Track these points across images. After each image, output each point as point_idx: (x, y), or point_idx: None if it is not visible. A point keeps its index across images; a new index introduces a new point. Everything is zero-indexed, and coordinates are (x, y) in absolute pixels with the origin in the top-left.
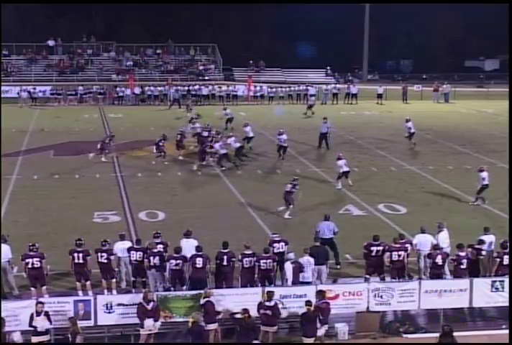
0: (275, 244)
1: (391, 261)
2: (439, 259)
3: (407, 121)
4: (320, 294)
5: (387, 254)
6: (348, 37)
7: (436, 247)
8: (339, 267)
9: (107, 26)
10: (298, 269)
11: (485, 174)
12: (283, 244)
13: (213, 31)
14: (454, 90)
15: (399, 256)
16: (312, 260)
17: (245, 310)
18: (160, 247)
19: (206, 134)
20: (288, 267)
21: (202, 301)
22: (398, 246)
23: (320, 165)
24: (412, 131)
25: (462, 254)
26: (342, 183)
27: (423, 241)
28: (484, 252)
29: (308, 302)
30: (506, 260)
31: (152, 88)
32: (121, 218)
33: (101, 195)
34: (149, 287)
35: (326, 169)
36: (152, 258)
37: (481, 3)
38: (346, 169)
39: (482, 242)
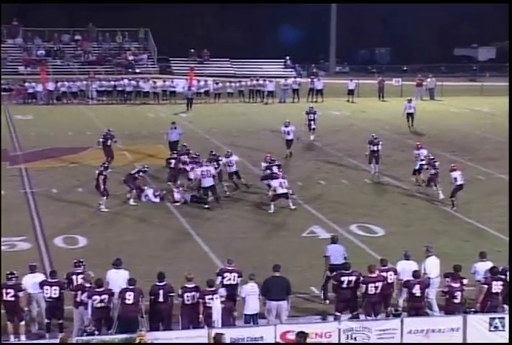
0: (225, 274)
1: (366, 294)
2: (416, 289)
3: (418, 148)
4: (301, 336)
5: (363, 286)
6: (312, 21)
7: (415, 274)
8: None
9: (12, 5)
10: (229, 310)
11: (456, 173)
12: (236, 274)
13: (144, 12)
14: (441, 84)
15: (376, 288)
16: (256, 287)
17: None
18: (81, 278)
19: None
20: (216, 306)
21: None
22: (374, 276)
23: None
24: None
25: (456, 285)
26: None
27: (408, 270)
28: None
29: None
30: (496, 287)
31: (66, 83)
32: (32, 244)
33: (6, 217)
34: (73, 329)
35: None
36: (79, 293)
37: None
38: (281, 191)
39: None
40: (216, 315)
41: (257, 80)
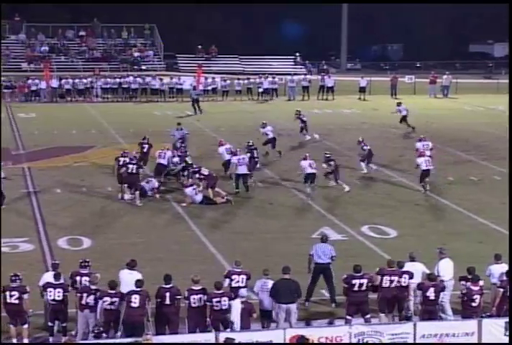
0: (233, 276)
1: (381, 287)
2: (431, 292)
3: (418, 140)
4: (302, 341)
5: (377, 277)
6: (323, 16)
7: (430, 277)
8: (334, 305)
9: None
10: (249, 311)
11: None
12: (244, 277)
13: (150, 7)
14: (455, 81)
15: (391, 282)
16: (269, 283)
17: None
18: (85, 280)
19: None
20: (236, 306)
21: None
22: (392, 269)
23: (287, 176)
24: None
25: (475, 288)
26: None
27: (413, 271)
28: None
29: None
30: None
31: (70, 80)
32: (35, 246)
33: (8, 218)
34: (77, 332)
35: (293, 181)
36: (85, 296)
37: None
38: (310, 171)
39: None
40: (236, 316)
41: (267, 77)
